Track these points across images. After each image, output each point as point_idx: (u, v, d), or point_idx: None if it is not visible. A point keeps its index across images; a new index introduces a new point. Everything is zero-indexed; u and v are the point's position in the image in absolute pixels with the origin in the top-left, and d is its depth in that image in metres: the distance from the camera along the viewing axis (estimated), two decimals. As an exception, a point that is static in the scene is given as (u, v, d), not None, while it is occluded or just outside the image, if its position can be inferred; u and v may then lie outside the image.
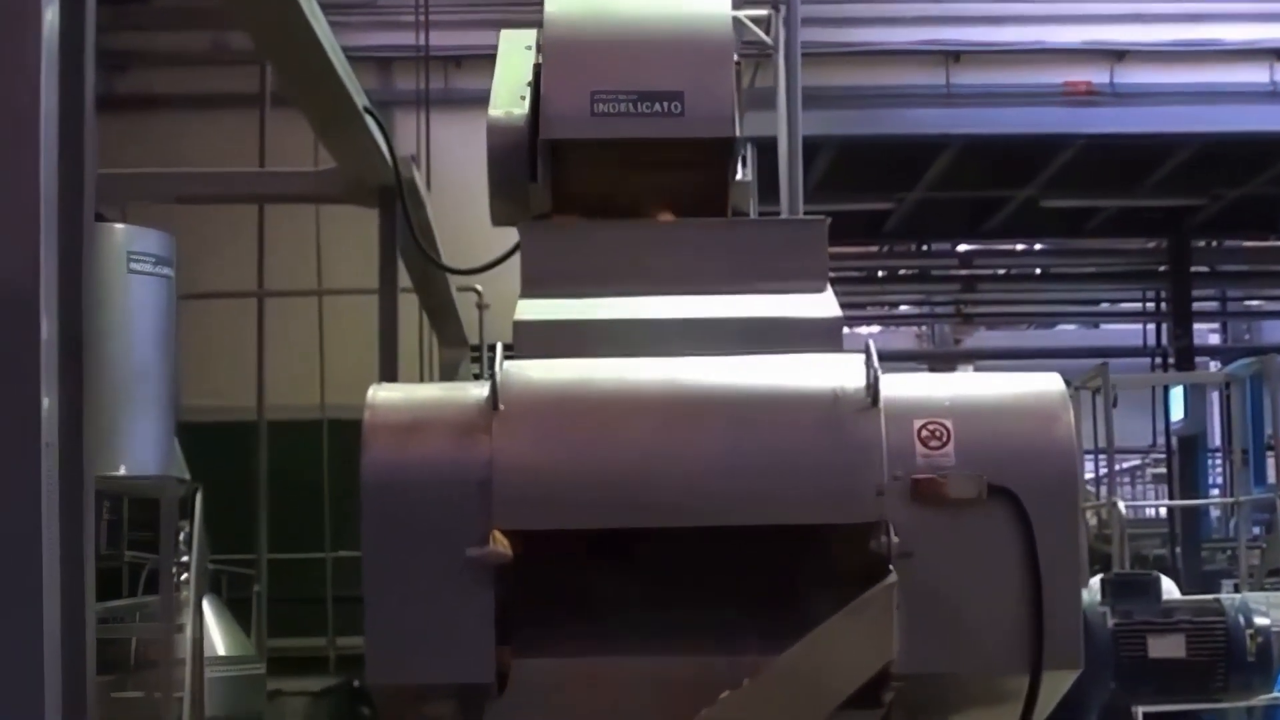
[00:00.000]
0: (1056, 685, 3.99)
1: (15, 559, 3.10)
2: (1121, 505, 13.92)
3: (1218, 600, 6.30)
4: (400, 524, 3.87)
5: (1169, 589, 7.74)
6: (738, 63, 4.85)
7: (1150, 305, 23.96)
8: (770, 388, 4.07)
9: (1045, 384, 4.10)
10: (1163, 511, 23.14)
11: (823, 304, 4.47)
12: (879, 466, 3.89)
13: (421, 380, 12.68)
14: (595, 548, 3.99)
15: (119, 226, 8.67)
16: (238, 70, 14.29)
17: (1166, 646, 6.00)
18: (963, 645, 3.91)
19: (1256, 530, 17.17)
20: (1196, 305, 22.82)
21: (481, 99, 4.99)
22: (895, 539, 3.85)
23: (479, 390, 3.99)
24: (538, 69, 4.80)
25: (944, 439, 3.93)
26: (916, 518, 3.88)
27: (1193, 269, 22.26)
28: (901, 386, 4.02)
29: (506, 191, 4.77)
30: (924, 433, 3.93)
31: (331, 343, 14.11)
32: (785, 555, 4.05)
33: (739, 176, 4.96)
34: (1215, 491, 21.08)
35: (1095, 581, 7.74)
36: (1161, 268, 22.57)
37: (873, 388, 3.95)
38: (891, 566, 3.84)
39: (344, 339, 13.53)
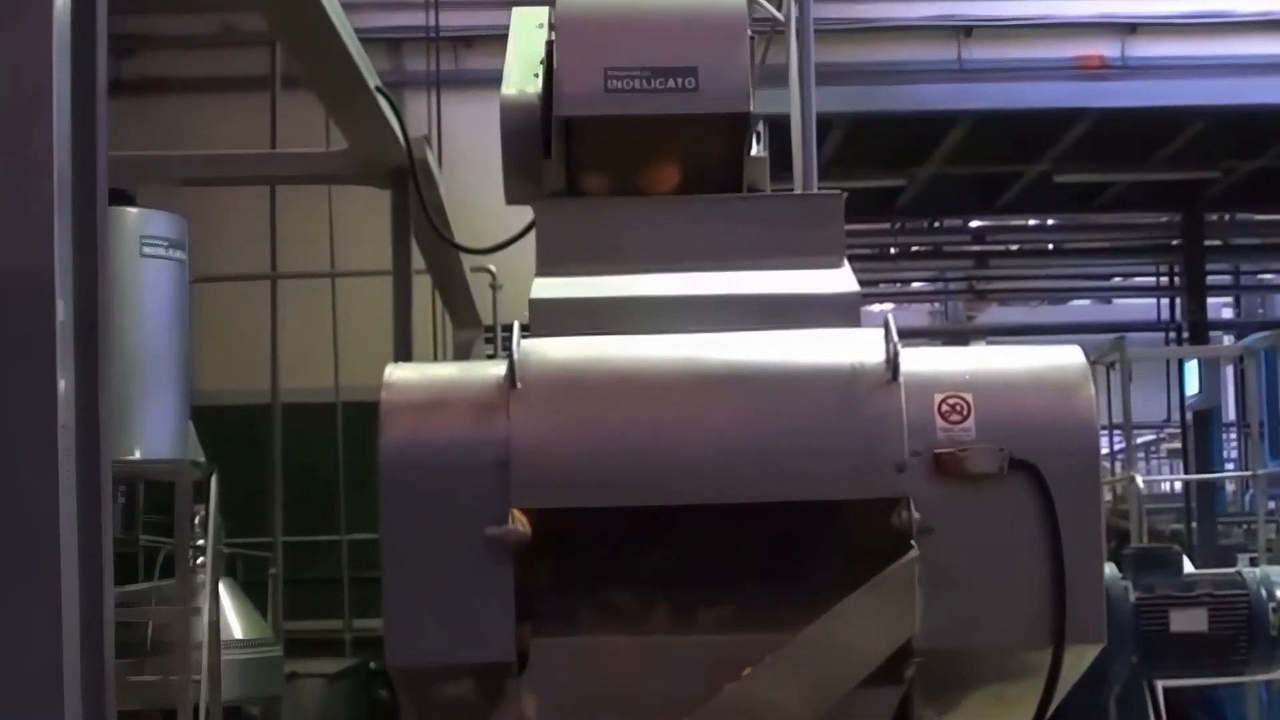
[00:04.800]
0: (1079, 660, 3.98)
1: (33, 542, 3.08)
2: (1139, 480, 13.87)
3: (1239, 574, 6.24)
4: (419, 504, 3.86)
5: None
6: (752, 38, 4.83)
7: (1164, 280, 23.85)
8: (789, 363, 4.05)
9: (1066, 357, 4.08)
10: (1178, 486, 23.08)
11: (840, 279, 4.46)
12: (899, 441, 3.88)
13: (435, 362, 12.66)
14: (614, 525, 3.97)
15: (131, 210, 8.68)
16: (247, 52, 14.27)
17: (1188, 620, 5.95)
18: (985, 620, 3.90)
19: (1272, 504, 17.11)
20: (1210, 279, 22.72)
21: (493, 79, 4.98)
22: (916, 514, 3.84)
23: (496, 369, 3.97)
24: (550, 46, 4.78)
25: (964, 413, 3.91)
26: (937, 492, 3.87)
27: (1206, 243, 22.16)
28: (921, 361, 4.00)
29: (521, 170, 4.77)
30: (944, 407, 3.92)
31: (345, 325, 14.10)
32: (805, 532, 4.04)
33: (753, 152, 4.94)
34: (1230, 466, 21.02)
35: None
36: (1175, 242, 22.47)
37: (892, 362, 3.93)
38: (913, 542, 3.83)
39: (357, 321, 13.53)
